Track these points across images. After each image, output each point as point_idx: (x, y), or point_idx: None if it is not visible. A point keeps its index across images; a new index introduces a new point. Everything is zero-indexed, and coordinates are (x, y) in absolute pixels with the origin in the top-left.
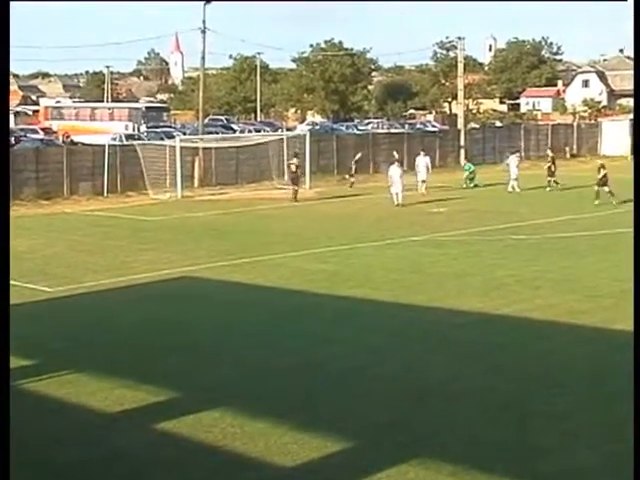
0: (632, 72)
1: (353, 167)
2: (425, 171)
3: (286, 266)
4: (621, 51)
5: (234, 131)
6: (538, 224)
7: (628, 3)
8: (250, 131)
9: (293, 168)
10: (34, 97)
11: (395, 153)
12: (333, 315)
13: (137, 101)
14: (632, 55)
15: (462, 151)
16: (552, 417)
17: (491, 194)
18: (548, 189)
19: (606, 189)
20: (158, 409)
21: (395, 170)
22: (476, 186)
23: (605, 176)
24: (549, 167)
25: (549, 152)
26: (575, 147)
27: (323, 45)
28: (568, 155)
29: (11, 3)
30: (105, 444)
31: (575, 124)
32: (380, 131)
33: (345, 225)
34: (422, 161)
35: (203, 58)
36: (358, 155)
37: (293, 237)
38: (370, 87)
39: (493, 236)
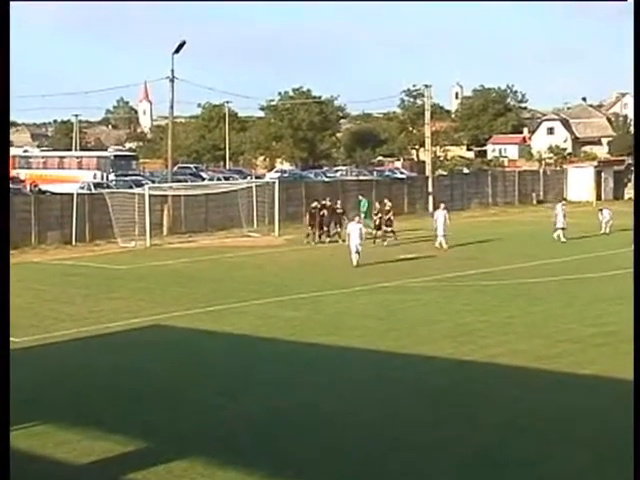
0: (595, 120)
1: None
2: (444, 225)
3: (255, 313)
4: (584, 99)
5: (203, 179)
6: (506, 270)
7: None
8: (219, 179)
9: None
10: None
11: (442, 204)
12: (302, 362)
13: (106, 149)
14: (595, 103)
15: (430, 198)
16: (524, 464)
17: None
18: (385, 243)
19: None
20: (127, 459)
21: (440, 214)
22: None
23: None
24: (388, 218)
25: (387, 202)
26: (542, 193)
27: (291, 93)
28: (535, 201)
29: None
30: None
31: (541, 171)
32: (349, 178)
33: (315, 272)
34: (441, 215)
35: (172, 107)
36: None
37: (263, 284)
38: (338, 134)
39: (462, 282)
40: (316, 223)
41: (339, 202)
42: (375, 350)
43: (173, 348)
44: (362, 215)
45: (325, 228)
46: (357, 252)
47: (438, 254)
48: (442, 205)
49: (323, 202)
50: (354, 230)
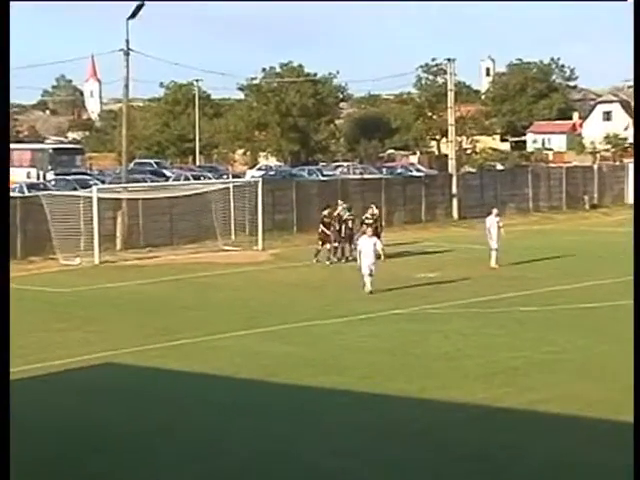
0: None
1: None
2: (498, 236)
3: (234, 349)
4: None
5: (167, 178)
6: (552, 292)
7: None
8: (187, 178)
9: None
10: None
11: (494, 210)
12: (292, 411)
13: (43, 141)
14: None
15: (454, 201)
16: None
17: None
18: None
19: None
20: None
21: (493, 222)
22: None
23: None
24: (375, 227)
25: (374, 209)
26: (596, 195)
27: (278, 69)
28: (587, 205)
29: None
30: None
31: (596, 166)
32: (351, 177)
33: (309, 296)
34: (494, 223)
35: (126, 86)
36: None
37: (243, 312)
38: (338, 122)
39: (496, 307)
40: (331, 237)
41: (346, 209)
42: (384, 395)
43: (128, 395)
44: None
45: (340, 243)
46: (371, 274)
47: (471, 274)
48: (495, 211)
49: (337, 208)
50: (367, 246)
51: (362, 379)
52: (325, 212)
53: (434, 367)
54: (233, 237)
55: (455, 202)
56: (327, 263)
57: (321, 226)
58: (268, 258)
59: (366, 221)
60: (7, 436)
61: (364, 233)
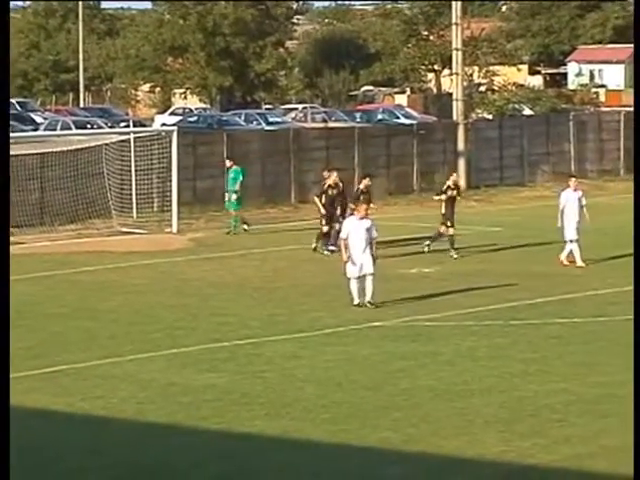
0: None
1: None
2: (579, 219)
3: (135, 378)
4: None
5: (36, 126)
6: (603, 296)
7: None
8: (67, 127)
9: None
10: None
11: (573, 178)
12: (220, 475)
13: None
14: None
15: (461, 162)
16: None
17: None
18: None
19: None
20: None
21: (572, 198)
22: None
23: None
24: (452, 200)
25: (331, 174)
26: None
27: None
28: None
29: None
30: None
31: None
32: (310, 125)
33: (248, 301)
34: (573, 199)
35: None
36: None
37: (149, 324)
38: (290, 44)
39: (521, 319)
40: (336, 215)
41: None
42: (357, 447)
43: None
44: (232, 196)
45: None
46: (364, 275)
47: (486, 268)
48: (573, 180)
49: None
50: (356, 230)
51: (326, 424)
52: (329, 179)
53: (429, 407)
54: (135, 214)
55: (462, 164)
56: (326, 253)
57: (323, 198)
58: (186, 245)
59: (362, 196)
60: (7, 436)
61: (353, 213)
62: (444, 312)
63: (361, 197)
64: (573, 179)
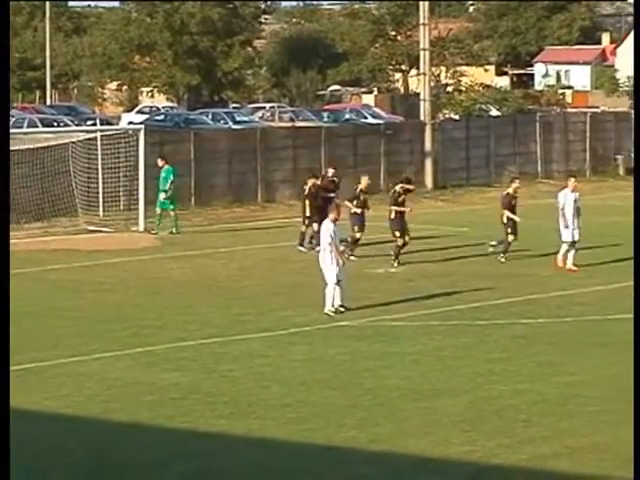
0: None
1: None
2: (576, 220)
3: (100, 377)
4: None
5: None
6: (569, 296)
7: None
8: (33, 124)
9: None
10: None
11: (572, 178)
12: (185, 474)
13: None
14: None
15: (428, 162)
16: None
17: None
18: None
19: None
20: None
21: (569, 199)
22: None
23: None
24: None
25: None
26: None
27: None
28: (621, 170)
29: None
30: None
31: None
32: (277, 125)
33: (214, 300)
34: (571, 200)
35: None
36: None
37: (115, 323)
38: (258, 44)
39: (487, 319)
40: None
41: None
42: (323, 447)
43: None
44: (161, 195)
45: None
46: (339, 282)
47: (452, 269)
48: (572, 180)
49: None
50: (337, 234)
51: (292, 424)
52: (361, 184)
53: (395, 407)
54: (101, 213)
55: (429, 163)
56: (304, 250)
57: (307, 200)
58: (153, 243)
59: (361, 196)
60: (7, 436)
61: (333, 210)
62: (410, 312)
63: (360, 197)
64: (572, 179)
